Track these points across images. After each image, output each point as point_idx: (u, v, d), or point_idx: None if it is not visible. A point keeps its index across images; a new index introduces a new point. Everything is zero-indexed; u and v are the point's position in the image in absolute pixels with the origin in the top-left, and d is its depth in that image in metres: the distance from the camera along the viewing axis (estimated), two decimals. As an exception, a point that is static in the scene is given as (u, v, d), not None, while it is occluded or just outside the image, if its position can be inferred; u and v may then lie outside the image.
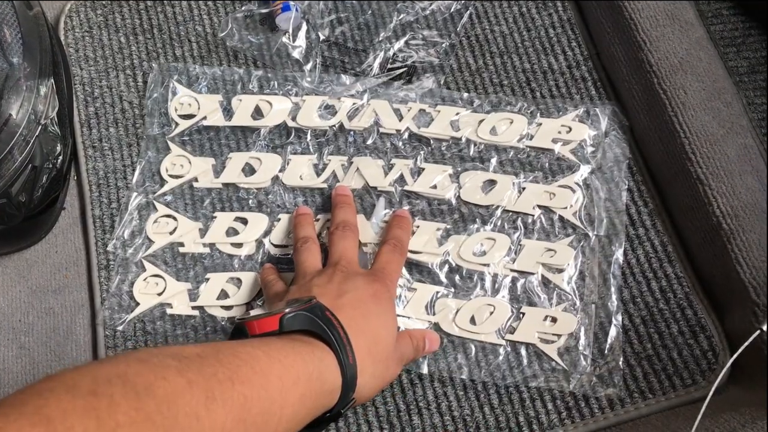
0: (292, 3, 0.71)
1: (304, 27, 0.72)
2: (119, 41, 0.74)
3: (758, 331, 0.53)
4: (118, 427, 0.34)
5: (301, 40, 0.72)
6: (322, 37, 0.72)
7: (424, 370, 0.60)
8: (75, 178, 0.70)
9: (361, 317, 0.53)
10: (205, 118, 0.70)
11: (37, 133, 0.60)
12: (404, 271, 0.63)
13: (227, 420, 0.39)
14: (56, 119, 0.63)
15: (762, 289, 0.56)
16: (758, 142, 0.63)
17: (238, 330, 0.49)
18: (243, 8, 0.73)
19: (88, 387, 0.35)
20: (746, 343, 0.52)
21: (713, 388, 0.51)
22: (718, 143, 0.62)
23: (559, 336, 0.61)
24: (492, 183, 0.66)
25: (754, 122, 0.65)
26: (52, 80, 0.63)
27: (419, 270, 0.64)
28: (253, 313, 0.51)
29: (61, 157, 0.65)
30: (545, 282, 0.63)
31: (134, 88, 0.72)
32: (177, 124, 0.70)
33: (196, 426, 0.37)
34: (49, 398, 0.34)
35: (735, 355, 0.52)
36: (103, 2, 0.75)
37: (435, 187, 0.66)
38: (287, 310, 0.49)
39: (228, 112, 0.70)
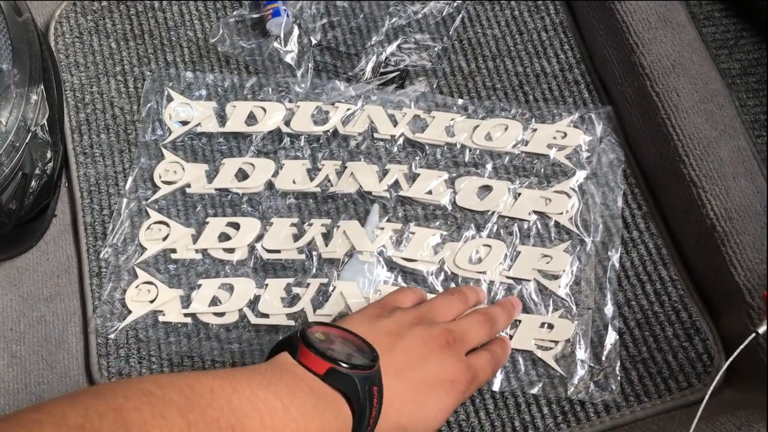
0: (282, 8, 0.71)
1: (296, 31, 0.72)
2: (110, 47, 0.73)
3: (753, 334, 0.53)
4: None
5: (293, 45, 0.72)
6: (314, 42, 0.72)
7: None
8: (66, 185, 0.69)
9: (412, 404, 0.49)
10: (199, 124, 0.69)
11: (27, 140, 0.60)
12: (399, 278, 0.63)
13: None
14: (46, 126, 0.63)
15: (756, 292, 0.56)
16: (751, 144, 0.63)
17: (293, 342, 0.46)
18: (234, 13, 0.73)
19: (76, 420, 0.34)
20: (742, 347, 0.52)
21: (709, 391, 0.51)
22: (712, 145, 0.62)
23: (556, 343, 0.61)
24: (487, 189, 0.66)
25: (747, 124, 0.66)
26: (42, 87, 0.62)
27: (414, 278, 0.63)
28: (319, 332, 0.47)
29: (51, 164, 0.64)
30: (541, 288, 0.63)
31: (125, 94, 0.71)
32: (171, 131, 0.69)
33: None
34: (32, 430, 0.32)
35: (731, 359, 0.52)
36: (94, 8, 0.75)
37: (430, 192, 0.66)
38: (342, 365, 0.45)
39: (222, 118, 0.70)
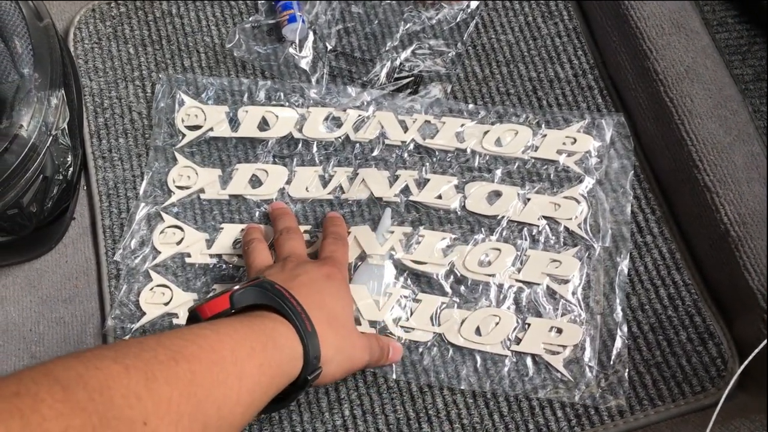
0: (298, 14, 0.72)
1: (311, 37, 0.73)
2: (128, 52, 0.74)
3: (767, 339, 0.53)
4: (45, 420, 0.34)
5: (308, 51, 0.72)
6: (329, 47, 0.73)
7: (431, 380, 0.61)
8: (85, 188, 0.70)
9: (316, 294, 0.53)
10: (211, 129, 0.70)
11: (48, 144, 0.61)
12: (409, 281, 0.64)
13: (173, 395, 0.39)
14: (67, 130, 0.64)
15: (770, 296, 0.57)
16: (765, 150, 0.63)
17: (192, 318, 0.50)
18: (250, 19, 0.74)
19: (11, 389, 0.35)
20: (756, 351, 0.52)
21: (724, 396, 0.51)
22: (725, 151, 0.62)
23: (564, 347, 0.61)
24: (497, 194, 0.66)
25: (761, 130, 0.66)
26: (63, 91, 0.63)
27: (424, 280, 0.64)
28: (203, 299, 0.51)
29: (71, 168, 0.65)
30: (551, 293, 0.63)
31: (143, 98, 0.72)
32: (184, 135, 0.70)
33: (137, 405, 0.37)
34: None
35: (745, 363, 0.52)
36: (112, 14, 0.76)
37: (440, 197, 0.66)
38: (236, 288, 0.49)
39: (234, 123, 0.70)
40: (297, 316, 0.49)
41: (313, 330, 0.50)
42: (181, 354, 0.42)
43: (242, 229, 0.66)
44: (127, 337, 0.63)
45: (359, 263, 0.64)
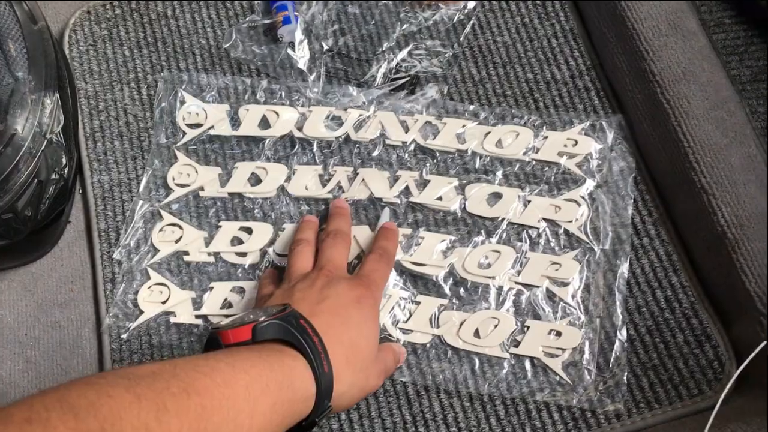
0: (293, 15, 0.72)
1: (307, 38, 0.72)
2: (123, 55, 0.74)
3: (765, 342, 0.53)
4: None
5: (305, 51, 0.72)
6: (325, 48, 0.72)
7: (428, 383, 0.61)
8: (80, 191, 0.70)
9: (340, 325, 0.52)
10: (212, 127, 0.70)
11: (42, 148, 0.61)
12: (408, 283, 0.64)
13: (183, 428, 0.39)
14: (61, 133, 0.64)
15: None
16: (762, 151, 0.63)
17: (212, 339, 0.49)
18: (247, 19, 0.74)
19: (22, 415, 0.35)
20: (752, 355, 0.52)
21: (720, 399, 0.51)
22: (722, 152, 0.62)
23: (563, 350, 0.61)
24: (497, 195, 0.66)
25: (758, 131, 0.66)
26: (57, 94, 0.63)
27: (423, 282, 0.64)
28: (226, 321, 0.50)
29: (66, 171, 0.65)
30: (550, 295, 0.63)
31: (139, 101, 0.72)
32: (184, 133, 0.70)
33: None
34: None
35: (742, 367, 0.52)
36: (108, 16, 0.75)
37: (440, 198, 0.66)
38: (261, 319, 0.49)
39: (235, 121, 0.70)
40: (316, 357, 0.49)
41: (330, 371, 0.49)
42: (193, 387, 0.41)
43: (241, 227, 0.66)
44: (124, 336, 0.63)
45: (356, 263, 0.64)
